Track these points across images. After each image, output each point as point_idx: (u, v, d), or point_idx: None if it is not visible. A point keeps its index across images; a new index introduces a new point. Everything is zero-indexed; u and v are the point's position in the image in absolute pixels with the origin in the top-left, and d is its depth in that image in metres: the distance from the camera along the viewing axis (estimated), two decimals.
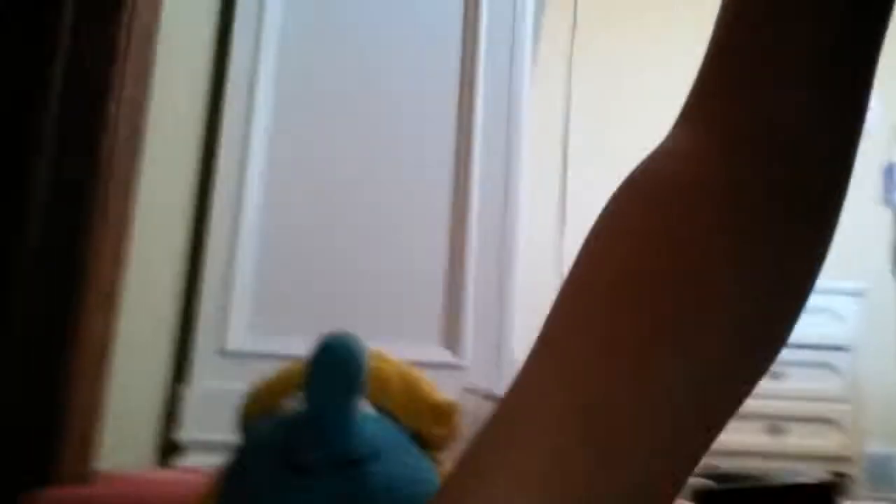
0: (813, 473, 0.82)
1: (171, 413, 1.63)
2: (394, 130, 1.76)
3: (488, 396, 0.76)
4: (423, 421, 0.62)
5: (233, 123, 1.73)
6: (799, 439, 2.74)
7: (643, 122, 3.33)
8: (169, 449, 1.62)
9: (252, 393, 0.63)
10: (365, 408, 0.60)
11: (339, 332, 0.56)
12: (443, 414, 0.62)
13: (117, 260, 1.32)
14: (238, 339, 1.64)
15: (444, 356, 1.66)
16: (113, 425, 1.44)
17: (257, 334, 1.64)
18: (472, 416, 0.77)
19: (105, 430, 1.40)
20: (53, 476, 1.24)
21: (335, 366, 0.55)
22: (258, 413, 0.63)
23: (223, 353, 1.62)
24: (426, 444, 0.62)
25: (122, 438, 1.50)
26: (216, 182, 1.71)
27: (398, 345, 1.63)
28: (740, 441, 2.72)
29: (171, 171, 1.65)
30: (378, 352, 0.63)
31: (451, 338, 1.67)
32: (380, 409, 0.62)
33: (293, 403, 0.61)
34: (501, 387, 1.65)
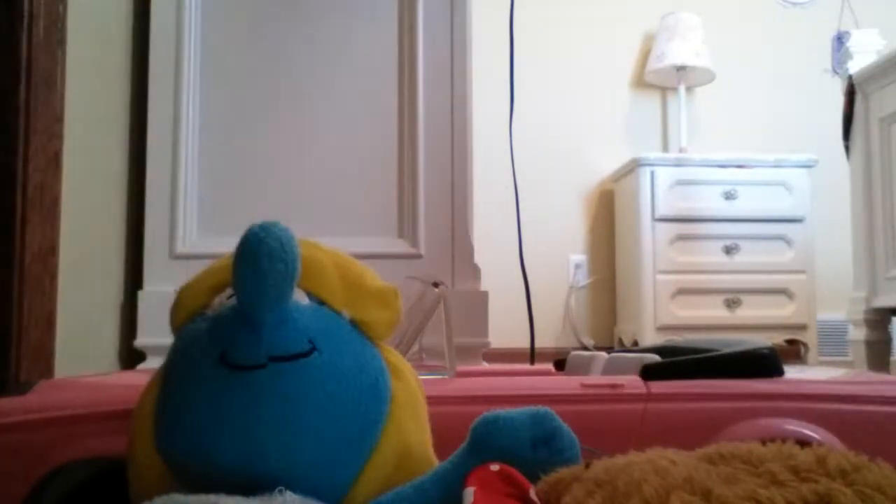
0: (754, 343, 0.83)
1: (132, 320, 1.61)
2: (337, 22, 1.69)
3: (431, 283, 0.74)
4: (363, 307, 0.60)
5: (163, 21, 1.65)
6: (756, 311, 2.81)
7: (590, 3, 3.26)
8: (133, 356, 1.61)
9: (181, 293, 0.61)
10: (301, 298, 0.59)
11: (264, 221, 0.54)
12: (382, 300, 0.60)
13: (50, 165, 1.26)
14: (188, 241, 1.61)
15: (402, 247, 1.65)
16: (73, 335, 1.43)
17: (207, 235, 1.61)
18: (416, 301, 0.76)
19: (65, 340, 1.38)
20: (9, 385, 1.22)
21: (263, 256, 0.52)
22: (190, 313, 0.60)
23: (174, 256, 1.59)
24: (367, 330, 0.61)
25: (83, 348, 1.49)
26: (151, 83, 1.64)
27: (356, 238, 1.63)
28: (700, 315, 2.79)
29: (101, 76, 1.57)
30: (312, 241, 0.60)
31: (408, 229, 1.66)
32: (316, 298, 0.60)
33: (224, 300, 0.59)
34: (458, 274, 1.65)
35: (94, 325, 1.54)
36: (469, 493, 0.54)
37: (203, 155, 1.64)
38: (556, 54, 3.22)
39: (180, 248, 1.60)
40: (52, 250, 1.32)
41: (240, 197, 1.64)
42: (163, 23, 1.64)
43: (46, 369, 1.32)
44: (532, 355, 1.85)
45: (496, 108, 2.68)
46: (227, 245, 0.56)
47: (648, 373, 0.78)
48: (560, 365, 1.06)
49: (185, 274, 0.78)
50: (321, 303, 0.60)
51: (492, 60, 2.65)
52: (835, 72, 3.22)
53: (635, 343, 2.85)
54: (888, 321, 2.14)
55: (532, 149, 3.10)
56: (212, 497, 0.52)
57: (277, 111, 1.66)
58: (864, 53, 2.16)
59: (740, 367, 0.79)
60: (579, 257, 3.18)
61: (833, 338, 3.10)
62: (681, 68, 3.05)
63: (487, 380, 0.78)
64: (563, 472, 0.55)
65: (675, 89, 3.16)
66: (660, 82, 3.21)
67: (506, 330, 2.60)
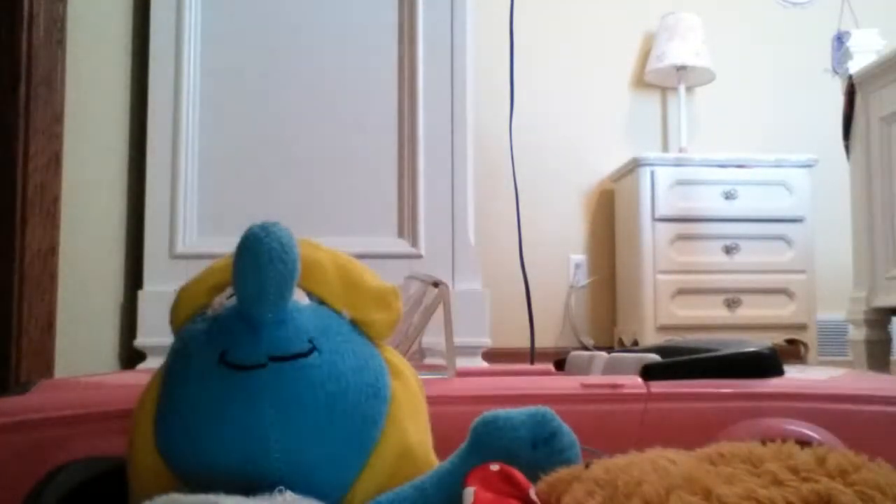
0: (754, 343, 0.83)
1: (132, 320, 1.61)
2: (336, 23, 1.69)
3: (431, 283, 0.74)
4: (363, 307, 0.60)
5: (163, 21, 1.65)
6: (756, 310, 2.81)
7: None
8: (133, 356, 1.61)
9: (181, 293, 0.61)
10: (301, 298, 0.59)
11: (264, 221, 0.54)
12: (382, 300, 0.60)
13: (50, 165, 1.26)
14: (188, 241, 1.61)
15: (402, 247, 1.65)
16: (73, 335, 1.42)
17: (207, 235, 1.61)
18: (415, 301, 0.76)
19: (65, 340, 1.38)
20: (9, 385, 1.22)
21: (263, 257, 0.52)
22: (190, 313, 0.60)
23: (174, 256, 1.59)
24: (367, 330, 0.61)
25: (83, 348, 1.48)
26: (151, 83, 1.64)
27: (356, 238, 1.63)
28: (700, 315, 2.79)
29: (101, 76, 1.57)
30: (312, 241, 0.60)
31: (408, 228, 1.66)
32: (316, 298, 0.60)
33: (224, 300, 0.59)
34: (458, 274, 1.65)
35: (94, 324, 1.54)
36: (469, 493, 0.54)
37: (203, 155, 1.64)
38: (556, 54, 3.22)
39: (180, 248, 1.60)
40: (52, 250, 1.32)
41: (240, 197, 1.64)
42: (163, 22, 1.65)
43: (46, 369, 1.32)
44: (532, 355, 1.85)
45: (496, 108, 2.68)
46: (227, 245, 0.56)
47: (648, 373, 0.78)
48: (560, 365, 1.06)
49: (185, 274, 0.79)
50: (321, 303, 0.60)
51: (492, 60, 2.65)
52: (835, 72, 3.22)
53: (635, 343, 2.85)
54: (888, 321, 2.14)
55: (532, 149, 3.10)
56: (212, 497, 0.52)
57: (278, 111, 1.66)
58: (864, 53, 2.16)
59: (740, 367, 0.79)
60: (579, 257, 3.17)
61: (833, 338, 3.09)
62: (681, 68, 3.05)
63: (487, 380, 0.78)
64: (563, 472, 0.55)
65: (675, 89, 3.16)
66: (660, 82, 3.21)
67: (506, 330, 2.60)
